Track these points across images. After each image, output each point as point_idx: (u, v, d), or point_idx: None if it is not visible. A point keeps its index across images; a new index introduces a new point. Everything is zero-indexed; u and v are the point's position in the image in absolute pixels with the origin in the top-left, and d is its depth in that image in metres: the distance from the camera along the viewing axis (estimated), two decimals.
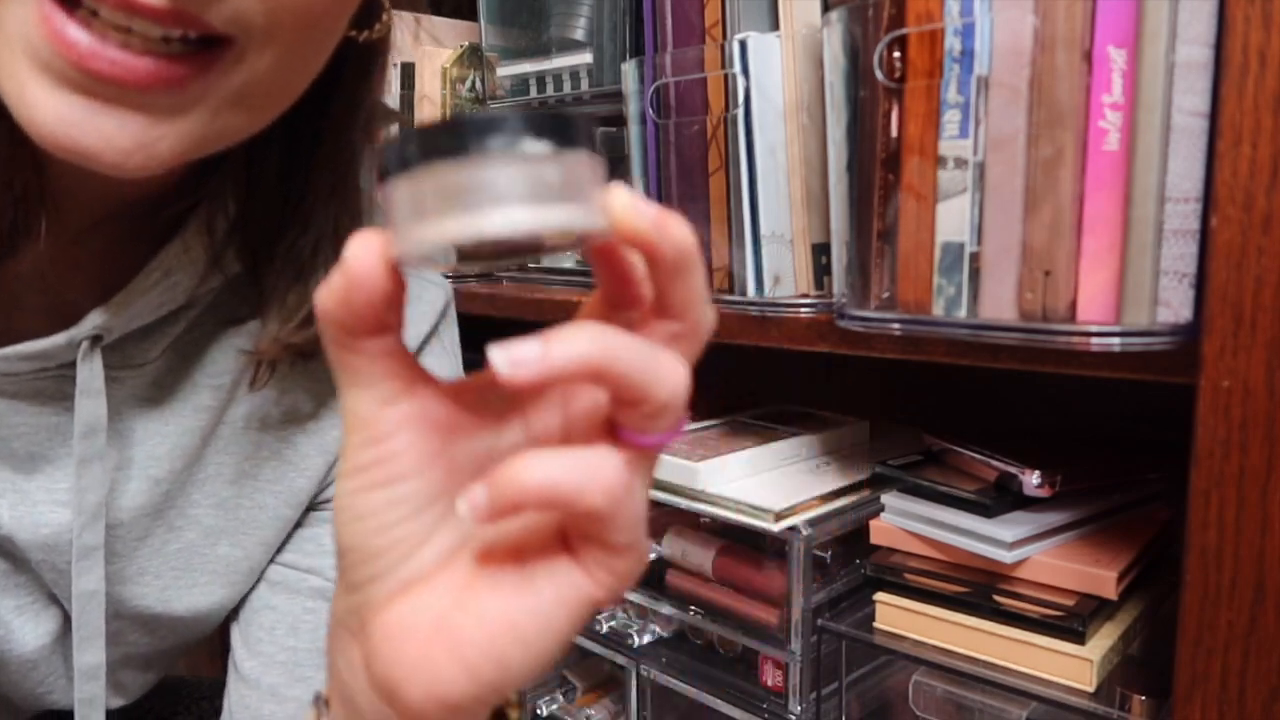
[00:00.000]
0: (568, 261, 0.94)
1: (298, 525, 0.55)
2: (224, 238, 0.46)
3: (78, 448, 0.46)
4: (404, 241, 0.26)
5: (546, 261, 0.97)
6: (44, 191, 0.41)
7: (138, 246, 0.46)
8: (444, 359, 0.58)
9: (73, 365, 0.45)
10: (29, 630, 0.51)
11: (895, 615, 0.67)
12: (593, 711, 0.93)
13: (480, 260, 0.28)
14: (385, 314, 0.28)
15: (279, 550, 0.55)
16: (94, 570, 0.48)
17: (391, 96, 0.97)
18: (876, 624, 0.68)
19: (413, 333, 0.55)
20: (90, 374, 0.45)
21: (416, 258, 0.26)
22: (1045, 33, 0.47)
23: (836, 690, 0.71)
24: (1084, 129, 0.47)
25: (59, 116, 0.33)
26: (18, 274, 0.45)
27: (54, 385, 0.46)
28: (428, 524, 0.30)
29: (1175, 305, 0.47)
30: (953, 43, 0.50)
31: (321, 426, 0.53)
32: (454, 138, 0.25)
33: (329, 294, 0.28)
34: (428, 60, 0.96)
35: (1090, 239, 0.47)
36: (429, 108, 0.95)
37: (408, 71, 0.98)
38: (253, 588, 0.55)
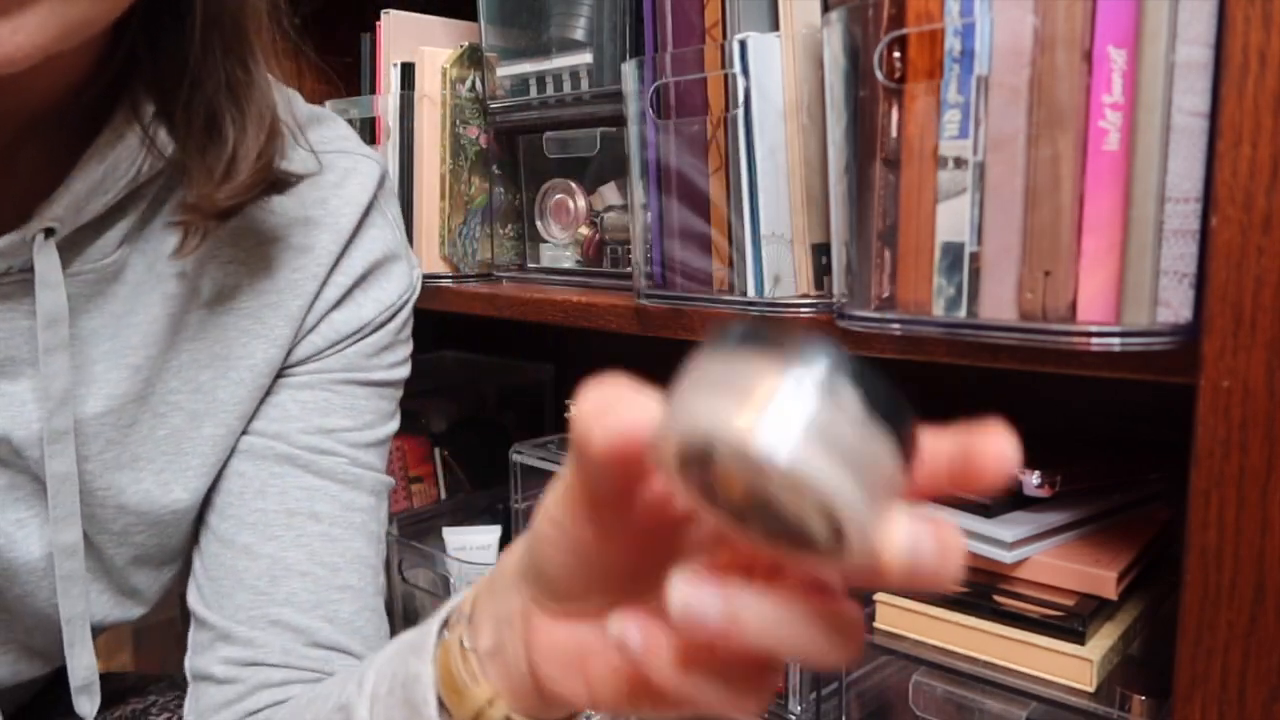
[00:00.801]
0: (567, 262, 0.94)
1: (267, 393, 0.58)
2: (152, 119, 0.49)
3: (41, 337, 0.48)
4: (673, 416, 0.24)
5: (546, 261, 0.97)
6: None
7: (77, 147, 0.48)
8: (387, 230, 0.60)
9: (31, 267, 0.48)
10: (34, 540, 0.53)
11: (895, 615, 0.67)
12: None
13: (725, 510, 0.25)
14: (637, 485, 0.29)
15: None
16: (65, 454, 0.51)
17: (391, 95, 0.97)
18: (876, 624, 0.68)
19: (349, 211, 0.58)
20: (47, 265, 0.48)
21: (675, 437, 0.23)
22: (1045, 33, 0.47)
23: (836, 690, 0.71)
24: (1084, 129, 0.47)
25: None
26: None
27: (19, 289, 0.49)
28: (609, 580, 0.32)
29: (1175, 305, 0.47)
30: (953, 43, 0.50)
31: (283, 298, 0.56)
32: (788, 344, 0.22)
33: (595, 433, 0.27)
34: (427, 60, 0.96)
35: (1090, 239, 0.47)
36: (429, 107, 0.95)
37: (407, 71, 0.98)
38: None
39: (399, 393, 0.63)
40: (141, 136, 0.48)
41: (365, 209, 0.59)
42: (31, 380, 0.50)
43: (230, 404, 0.56)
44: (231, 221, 0.52)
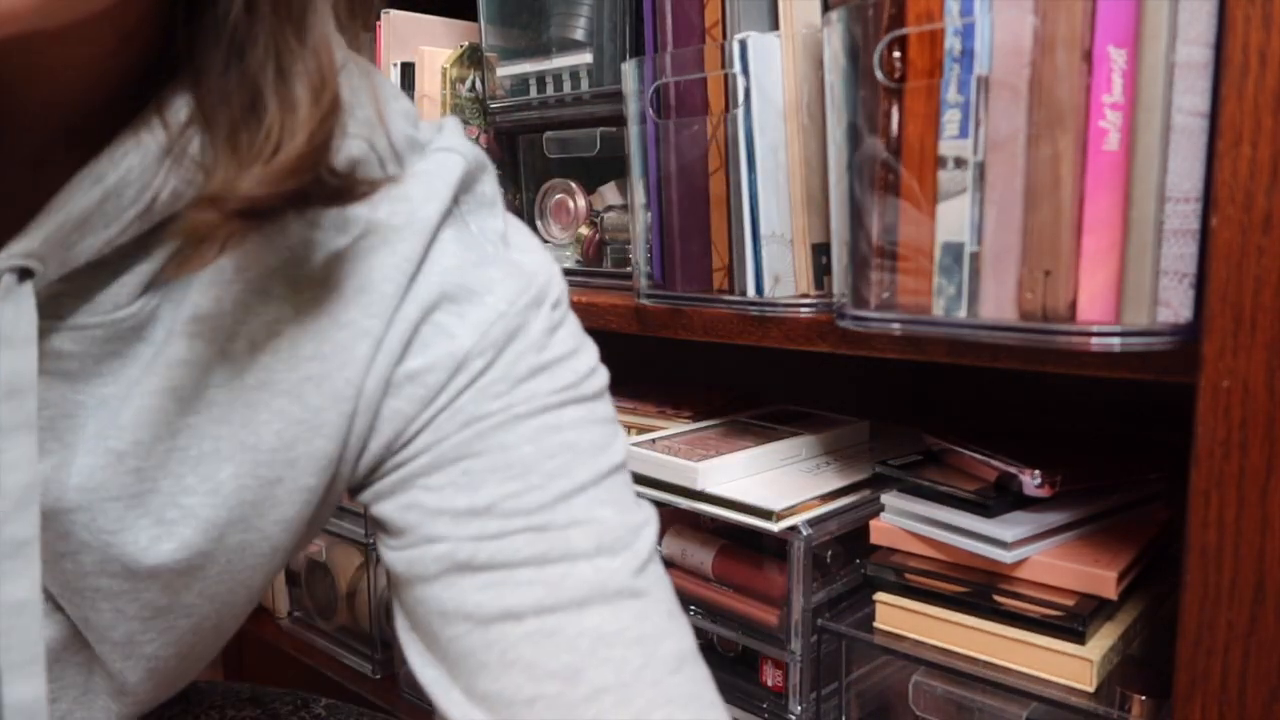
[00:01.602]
0: (567, 262, 0.94)
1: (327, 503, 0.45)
2: (183, 124, 0.37)
3: (1, 411, 0.36)
4: None
5: None
6: None
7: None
8: (470, 250, 0.44)
9: (44, 315, 0.37)
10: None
11: (895, 615, 0.67)
12: None
13: None
14: None
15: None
16: (24, 573, 0.37)
17: None
18: (876, 624, 0.68)
19: (414, 232, 0.42)
20: (16, 315, 0.36)
21: None
22: (1045, 33, 0.47)
23: (836, 690, 0.71)
24: (1084, 129, 0.47)
25: None
26: None
27: None
28: None
29: (1175, 305, 0.47)
30: (953, 43, 0.50)
31: (327, 366, 0.41)
32: None
33: None
34: (427, 60, 0.96)
35: (1090, 239, 0.47)
36: (429, 107, 0.95)
37: (407, 71, 0.98)
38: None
39: (601, 409, 0.45)
40: (165, 145, 0.37)
41: (439, 218, 0.43)
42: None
43: (263, 506, 0.42)
44: (286, 260, 0.39)
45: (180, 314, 0.39)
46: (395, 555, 0.43)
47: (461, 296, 0.43)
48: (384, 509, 0.43)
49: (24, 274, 0.36)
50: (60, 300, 0.38)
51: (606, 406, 0.45)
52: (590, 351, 0.46)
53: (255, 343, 0.41)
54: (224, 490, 0.41)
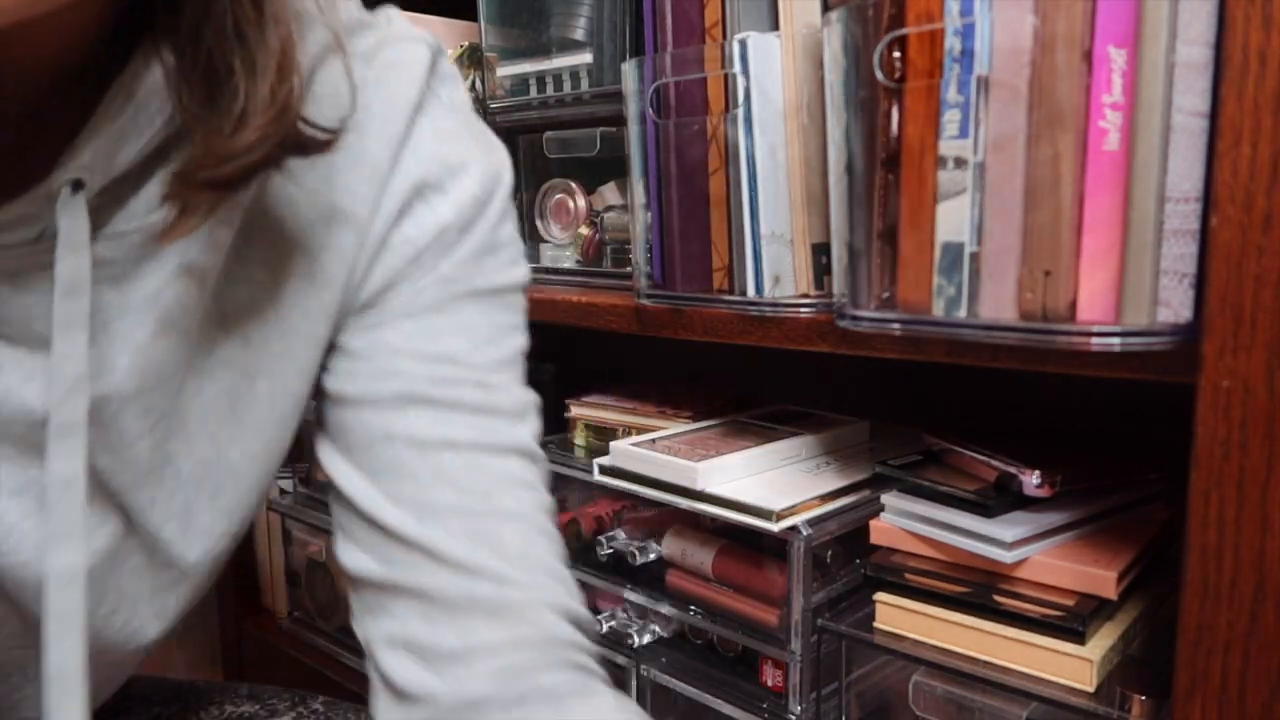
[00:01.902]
0: (567, 262, 0.94)
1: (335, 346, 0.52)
2: (176, 73, 0.42)
3: (57, 309, 0.42)
4: None
5: (546, 261, 0.97)
6: None
7: (92, 106, 0.42)
8: (445, 122, 0.52)
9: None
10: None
11: (895, 615, 0.67)
12: None
13: None
14: None
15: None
16: (72, 452, 0.42)
17: None
18: (876, 624, 0.68)
19: (395, 113, 0.50)
20: (73, 224, 0.41)
21: None
22: (1045, 33, 0.47)
23: (836, 690, 0.71)
24: (1084, 129, 0.47)
25: None
26: None
27: (51, 258, 0.42)
28: None
29: (1175, 305, 0.47)
30: (953, 43, 0.50)
31: (333, 230, 0.49)
32: None
33: None
34: None
35: (1090, 239, 0.47)
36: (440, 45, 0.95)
37: None
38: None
39: (520, 301, 0.55)
40: (165, 75, 0.41)
41: (416, 103, 0.51)
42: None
43: (284, 356, 0.50)
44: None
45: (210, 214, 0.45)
46: (345, 379, 0.51)
47: (444, 174, 0.52)
48: (352, 341, 0.52)
49: (76, 186, 0.41)
50: (98, 212, 0.42)
51: (521, 298, 0.56)
52: (521, 247, 0.56)
53: (269, 216, 0.48)
54: (253, 342, 0.49)
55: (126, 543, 0.49)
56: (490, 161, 0.54)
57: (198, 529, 0.51)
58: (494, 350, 0.53)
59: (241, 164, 0.40)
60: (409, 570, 0.49)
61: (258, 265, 0.49)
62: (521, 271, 0.55)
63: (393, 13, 0.54)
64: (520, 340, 0.55)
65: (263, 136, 0.41)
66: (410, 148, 0.51)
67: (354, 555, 0.51)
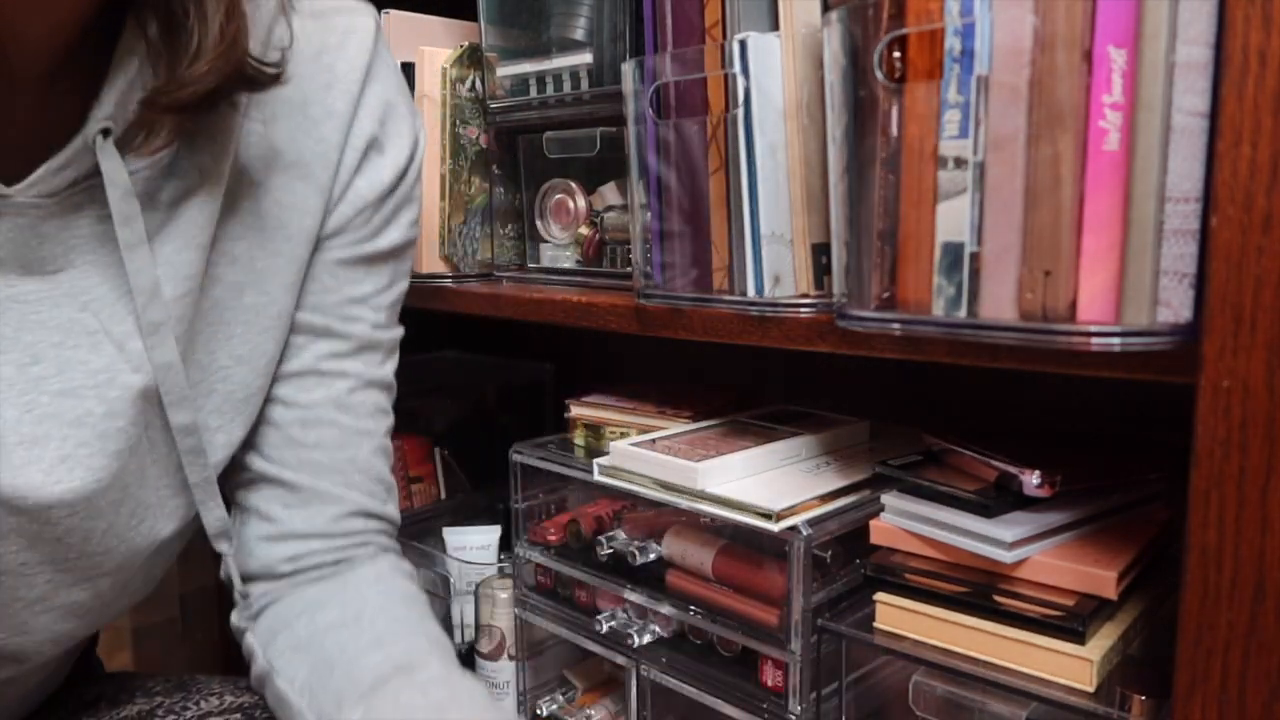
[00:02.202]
0: (567, 262, 0.94)
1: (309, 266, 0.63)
2: (157, 28, 0.51)
3: (120, 235, 0.53)
4: None
5: (546, 261, 0.97)
6: None
7: (105, 59, 0.51)
8: (390, 83, 0.64)
9: (96, 174, 0.52)
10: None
11: (895, 615, 0.67)
12: (593, 711, 0.93)
13: None
14: None
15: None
16: (165, 343, 0.55)
17: None
18: (876, 624, 0.68)
19: (354, 73, 0.62)
20: (112, 166, 0.52)
21: None
22: (1045, 33, 0.47)
23: (836, 690, 0.71)
24: (1084, 129, 0.47)
25: None
26: (6, 121, 0.51)
27: (85, 197, 0.53)
28: None
29: (1175, 305, 0.47)
30: (953, 43, 0.50)
31: (311, 169, 0.61)
32: None
33: None
34: (427, 60, 0.96)
35: (1090, 239, 0.47)
36: (429, 107, 0.95)
37: (407, 71, 0.98)
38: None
39: (414, 250, 0.69)
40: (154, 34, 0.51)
41: (367, 67, 0.62)
42: (103, 280, 0.54)
43: (269, 273, 0.61)
44: (256, 97, 0.57)
45: (196, 152, 0.56)
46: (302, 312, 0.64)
47: (386, 135, 0.64)
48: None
49: (105, 134, 0.51)
50: (121, 152, 0.52)
51: (413, 248, 0.69)
52: (420, 200, 0.70)
53: (250, 158, 0.59)
54: (240, 259, 0.60)
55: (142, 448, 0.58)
56: (415, 125, 0.66)
57: (228, 430, 0.63)
58: (390, 293, 0.67)
59: (195, 90, 0.49)
60: (282, 467, 0.64)
61: (247, 198, 0.59)
62: (417, 227, 0.69)
63: None
64: (405, 283, 0.69)
65: (212, 68, 0.50)
66: (364, 106, 0.63)
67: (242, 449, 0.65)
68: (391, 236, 0.66)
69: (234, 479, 0.66)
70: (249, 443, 0.64)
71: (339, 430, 0.65)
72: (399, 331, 0.69)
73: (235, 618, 0.66)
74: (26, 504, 0.52)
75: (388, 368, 0.69)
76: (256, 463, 0.65)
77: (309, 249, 0.62)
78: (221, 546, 0.63)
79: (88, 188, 0.52)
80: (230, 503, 0.66)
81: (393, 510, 0.70)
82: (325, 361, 0.64)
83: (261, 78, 0.53)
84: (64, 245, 0.53)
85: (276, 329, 0.62)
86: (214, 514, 0.62)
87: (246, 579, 0.66)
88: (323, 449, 0.65)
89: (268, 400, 0.64)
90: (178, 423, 0.58)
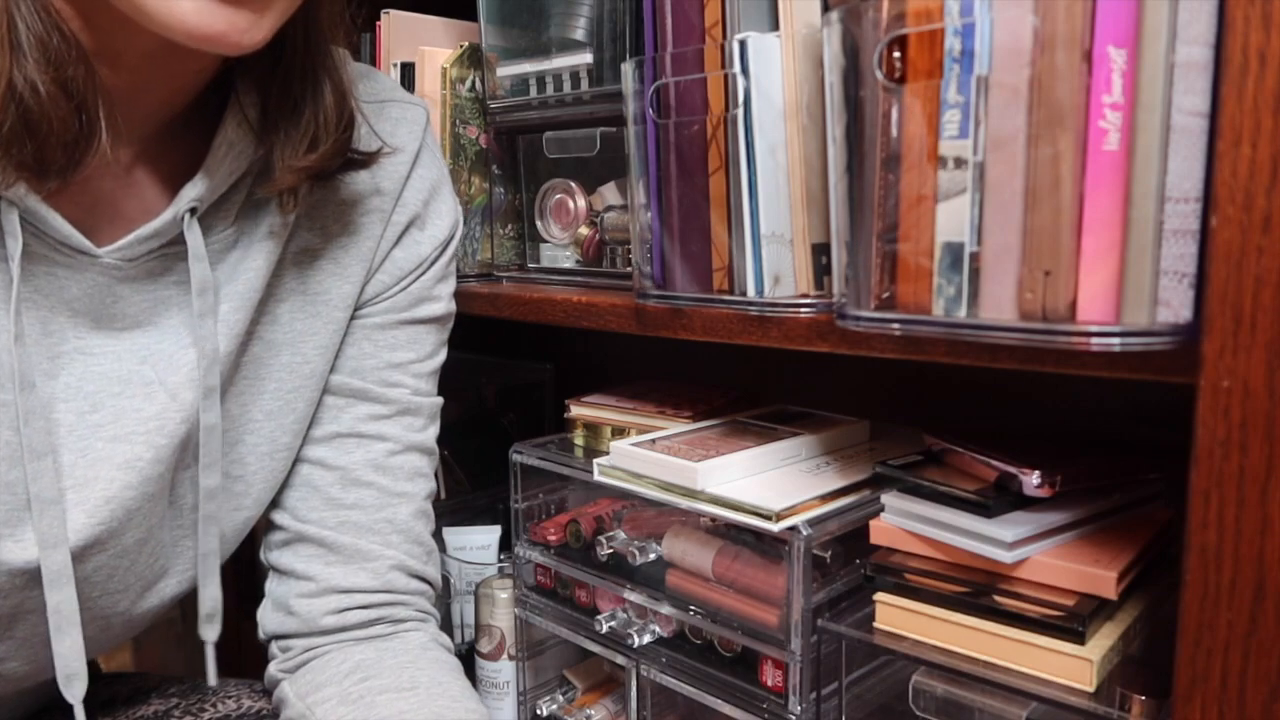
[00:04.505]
0: (567, 262, 0.94)
1: (346, 332, 0.67)
2: (259, 115, 0.58)
3: (195, 304, 0.57)
4: None
5: (546, 261, 0.97)
6: (100, 100, 0.50)
7: (201, 140, 0.57)
8: (434, 169, 0.70)
9: (174, 244, 0.57)
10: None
11: (895, 615, 0.67)
12: (593, 711, 0.93)
13: None
14: None
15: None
16: (213, 407, 0.59)
17: None
18: (876, 624, 0.68)
19: (403, 157, 0.67)
20: (196, 241, 0.57)
21: None
22: (1045, 33, 0.47)
23: (836, 690, 0.71)
24: (1084, 129, 0.47)
25: (198, 13, 0.46)
26: (101, 183, 0.56)
27: (163, 263, 0.58)
28: None
29: (1175, 305, 0.47)
30: (953, 43, 0.50)
31: (355, 240, 0.65)
32: None
33: None
34: (427, 60, 0.96)
35: (1090, 239, 0.47)
36: (429, 107, 0.95)
37: (407, 71, 0.98)
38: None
39: (451, 323, 0.73)
40: (248, 127, 0.57)
41: (416, 151, 0.68)
42: (165, 338, 0.59)
43: (306, 334, 0.64)
44: (316, 189, 0.62)
45: (258, 228, 0.61)
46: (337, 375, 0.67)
47: (428, 214, 0.69)
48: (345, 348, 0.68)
49: (193, 211, 0.57)
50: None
51: (451, 321, 0.74)
52: (455, 278, 0.74)
53: (304, 235, 0.64)
54: (281, 320, 0.64)
55: (160, 501, 0.61)
56: (454, 207, 0.71)
57: (274, 453, 0.66)
58: (430, 363, 0.70)
59: (312, 169, 0.58)
60: (321, 527, 0.66)
61: (296, 268, 0.64)
62: (454, 303, 0.73)
63: (379, 74, 0.72)
64: (444, 354, 0.73)
65: (336, 150, 0.58)
66: (410, 188, 0.67)
67: (276, 508, 0.68)
68: (432, 308, 0.69)
69: (270, 540, 0.68)
70: (286, 506, 0.66)
71: (377, 491, 0.66)
72: (439, 400, 0.71)
73: (273, 668, 0.68)
74: (70, 545, 0.55)
75: (429, 433, 0.70)
76: (294, 524, 0.66)
77: (347, 314, 0.66)
78: (206, 634, 0.65)
79: (163, 255, 0.57)
80: (265, 568, 0.69)
81: (433, 572, 0.70)
82: (365, 424, 0.66)
83: (355, 163, 0.60)
84: (136, 306, 0.57)
85: (309, 389, 0.65)
86: (209, 592, 0.64)
87: (282, 636, 0.68)
88: (361, 509, 0.66)
89: (307, 464, 0.66)
90: (206, 485, 0.61)
